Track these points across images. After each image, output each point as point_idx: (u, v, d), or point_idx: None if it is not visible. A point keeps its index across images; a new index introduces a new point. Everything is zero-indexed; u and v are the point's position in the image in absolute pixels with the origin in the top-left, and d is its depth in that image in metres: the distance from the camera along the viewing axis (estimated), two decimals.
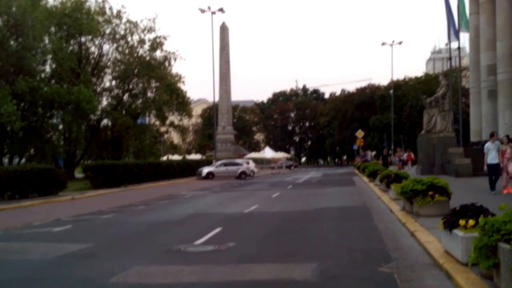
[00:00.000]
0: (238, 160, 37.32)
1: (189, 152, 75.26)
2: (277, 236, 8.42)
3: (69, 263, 6.71)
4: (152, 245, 7.96)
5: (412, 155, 38.05)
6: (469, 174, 19.47)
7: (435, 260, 5.78)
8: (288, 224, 9.76)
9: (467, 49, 47.27)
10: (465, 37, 32.75)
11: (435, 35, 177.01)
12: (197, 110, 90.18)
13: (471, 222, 5.46)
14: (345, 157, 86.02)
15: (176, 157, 55.22)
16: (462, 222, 5.54)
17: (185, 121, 49.07)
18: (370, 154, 44.49)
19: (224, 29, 51.95)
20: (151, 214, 12.64)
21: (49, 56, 32.09)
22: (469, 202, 5.94)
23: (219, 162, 35.59)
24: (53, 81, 32.57)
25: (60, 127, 35.62)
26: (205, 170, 33.66)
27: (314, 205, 13.16)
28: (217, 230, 9.10)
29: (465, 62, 49.61)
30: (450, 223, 5.74)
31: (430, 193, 9.21)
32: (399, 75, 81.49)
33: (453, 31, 27.22)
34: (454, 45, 30.11)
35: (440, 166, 22.42)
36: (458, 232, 5.43)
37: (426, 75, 71.46)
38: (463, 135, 27.81)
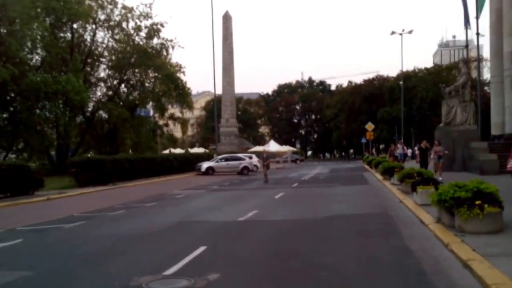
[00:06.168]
0: (240, 155, 35.14)
1: (193, 146, 73.33)
2: (276, 264, 6.21)
3: None
4: (106, 277, 5.90)
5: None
6: (495, 172, 17.83)
7: None
8: (292, 243, 7.53)
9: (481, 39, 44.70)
10: (483, 24, 30.01)
11: (443, 26, 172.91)
12: (201, 103, 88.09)
13: None
14: (351, 150, 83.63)
15: (178, 150, 53.26)
16: None
17: (188, 114, 47.03)
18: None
19: (227, 18, 49.83)
20: (126, 223, 10.52)
21: (40, 44, 29.95)
22: None
23: (220, 157, 33.46)
24: (41, 70, 30.38)
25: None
26: (205, 165, 31.58)
27: (324, 211, 10.99)
28: (200, 250, 7.05)
29: (473, 53, 46.75)
30: None
31: (478, 202, 7.14)
32: (407, 67, 78.45)
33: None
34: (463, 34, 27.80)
35: (461, 163, 20.63)
36: None
37: (436, 65, 68.72)
38: (482, 128, 25.67)
